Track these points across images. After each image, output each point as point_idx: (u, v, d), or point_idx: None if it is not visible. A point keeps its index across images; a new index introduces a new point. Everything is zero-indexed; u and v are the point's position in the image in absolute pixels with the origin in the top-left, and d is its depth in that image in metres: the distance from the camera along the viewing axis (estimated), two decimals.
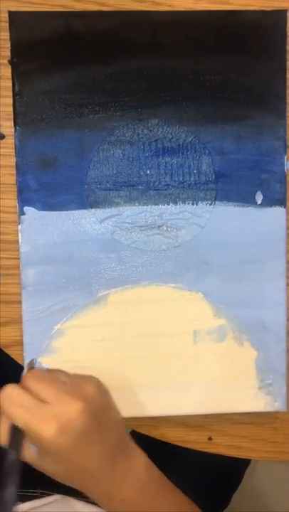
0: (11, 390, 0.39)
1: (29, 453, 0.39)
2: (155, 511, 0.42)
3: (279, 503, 0.84)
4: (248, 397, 0.48)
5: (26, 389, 0.39)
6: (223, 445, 0.51)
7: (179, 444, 0.51)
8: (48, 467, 0.40)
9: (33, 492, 0.57)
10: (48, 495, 0.56)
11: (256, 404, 0.48)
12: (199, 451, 0.51)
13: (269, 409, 0.48)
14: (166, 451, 0.52)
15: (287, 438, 0.51)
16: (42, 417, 0.37)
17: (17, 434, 0.38)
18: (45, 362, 0.47)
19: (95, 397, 0.40)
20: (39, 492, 0.56)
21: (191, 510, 0.45)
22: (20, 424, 0.38)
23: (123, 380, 0.48)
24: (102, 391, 0.41)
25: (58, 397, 0.38)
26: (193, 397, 0.48)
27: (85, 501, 0.56)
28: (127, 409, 0.47)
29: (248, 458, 0.52)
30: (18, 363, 0.49)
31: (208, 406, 0.48)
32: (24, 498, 0.55)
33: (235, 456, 0.52)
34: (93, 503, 0.56)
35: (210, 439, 0.51)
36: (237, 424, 0.51)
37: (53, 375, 0.41)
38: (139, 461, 0.43)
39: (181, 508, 0.44)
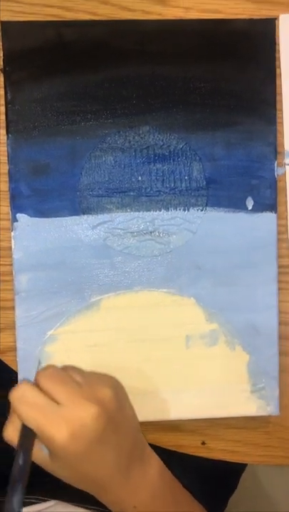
0: (24, 388, 0.37)
1: (41, 455, 0.38)
2: None
3: (278, 503, 0.84)
4: (241, 401, 0.49)
5: (39, 388, 0.38)
6: (216, 450, 0.51)
7: (173, 449, 0.51)
8: (59, 471, 0.39)
9: (28, 498, 0.57)
10: (44, 501, 0.56)
11: (249, 409, 0.49)
12: (195, 456, 0.52)
13: (261, 413, 0.49)
14: (162, 455, 0.53)
15: (281, 442, 0.52)
16: (54, 420, 0.36)
17: (28, 434, 0.37)
18: (40, 368, 0.47)
19: (111, 400, 0.38)
20: (34, 498, 0.56)
21: None
22: (31, 425, 0.36)
23: None
24: (119, 393, 0.40)
25: (71, 399, 0.37)
26: (186, 402, 0.48)
27: (82, 507, 0.56)
28: None
29: (242, 462, 0.52)
30: (12, 369, 0.49)
31: (201, 411, 0.48)
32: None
33: (229, 461, 0.52)
34: (90, 508, 0.56)
35: (203, 443, 0.51)
36: (230, 429, 0.51)
37: (68, 374, 0.39)
38: (155, 466, 0.42)
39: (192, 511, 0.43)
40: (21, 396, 0.37)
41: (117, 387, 0.40)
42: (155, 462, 0.42)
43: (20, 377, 0.48)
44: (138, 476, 0.40)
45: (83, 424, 0.36)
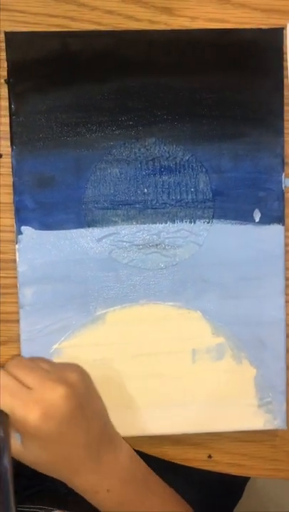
0: None
1: (13, 444, 0.39)
2: (142, 503, 0.42)
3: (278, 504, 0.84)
4: (248, 416, 0.48)
5: (10, 375, 0.39)
6: (222, 463, 0.51)
7: (179, 462, 0.51)
8: (32, 457, 0.40)
9: (30, 507, 0.56)
10: (48, 510, 0.56)
11: (256, 423, 0.48)
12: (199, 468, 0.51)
13: (269, 427, 0.48)
14: (166, 466, 0.52)
15: (287, 456, 0.51)
16: (26, 402, 0.38)
17: (2, 418, 0.38)
18: None
19: (78, 383, 0.40)
20: (38, 508, 0.56)
21: (178, 504, 0.45)
22: (5, 408, 0.38)
23: (122, 399, 0.47)
24: (85, 378, 0.42)
25: (40, 383, 0.39)
26: (193, 416, 0.48)
27: None
28: (126, 428, 0.47)
29: (248, 476, 0.52)
30: None
31: (208, 425, 0.48)
32: None
33: (235, 474, 0.51)
34: None
35: (210, 456, 0.51)
36: (236, 442, 0.51)
37: (35, 362, 0.42)
38: (125, 452, 0.43)
39: (168, 502, 0.44)
40: None
41: (83, 373, 0.42)
42: (125, 449, 0.43)
43: None
44: (109, 461, 0.41)
45: (53, 404, 0.38)
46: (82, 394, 0.40)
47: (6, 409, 0.37)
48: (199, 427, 0.48)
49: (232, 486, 0.68)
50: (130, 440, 0.49)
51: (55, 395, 0.38)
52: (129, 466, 0.42)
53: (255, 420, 0.48)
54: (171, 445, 0.50)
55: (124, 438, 0.49)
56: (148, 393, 0.47)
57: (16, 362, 0.41)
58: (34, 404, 0.37)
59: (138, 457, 0.44)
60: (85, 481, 0.41)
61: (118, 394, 0.47)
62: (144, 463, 0.44)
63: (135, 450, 0.50)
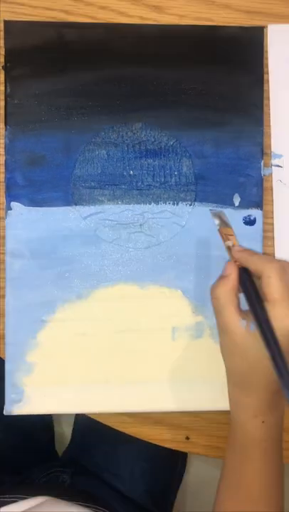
0: (282, 269, 0.39)
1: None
2: (274, 450, 0.43)
3: None
4: (225, 395, 0.49)
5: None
6: (200, 445, 0.52)
7: (157, 443, 0.52)
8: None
9: (14, 497, 0.57)
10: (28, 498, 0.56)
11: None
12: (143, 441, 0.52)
13: None
14: (118, 438, 0.54)
15: None
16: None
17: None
18: (28, 354, 0.48)
19: None
20: (21, 497, 0.56)
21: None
22: (274, 297, 0.38)
23: (103, 375, 0.48)
24: None
25: None
26: (171, 394, 0.49)
27: (74, 502, 0.55)
28: (104, 403, 0.48)
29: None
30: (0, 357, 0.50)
31: (185, 403, 0.49)
32: (4, 504, 0.54)
33: (212, 457, 0.52)
34: (81, 505, 0.56)
35: (187, 438, 0.51)
36: (214, 424, 0.51)
37: None
38: (285, 403, 0.43)
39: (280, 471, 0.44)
40: (284, 272, 0.39)
41: None
42: (282, 413, 0.44)
43: (7, 364, 0.48)
44: (277, 399, 0.42)
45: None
46: None
47: (273, 297, 0.38)
48: (177, 405, 0.49)
49: (174, 461, 0.72)
50: (108, 418, 0.50)
51: None
52: (282, 414, 0.43)
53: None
54: (149, 425, 0.51)
55: (102, 414, 0.50)
56: (128, 369, 0.48)
57: None
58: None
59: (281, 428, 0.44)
60: (254, 400, 0.41)
61: (99, 369, 0.48)
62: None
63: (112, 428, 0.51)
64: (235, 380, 0.43)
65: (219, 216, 0.44)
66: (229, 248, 0.42)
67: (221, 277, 0.41)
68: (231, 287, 0.40)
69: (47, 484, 0.70)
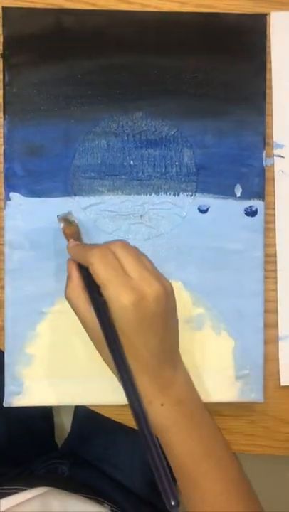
0: (107, 251, 0.41)
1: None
2: (190, 428, 0.43)
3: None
4: (225, 387, 0.49)
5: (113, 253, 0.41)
6: None
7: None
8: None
9: (13, 489, 0.57)
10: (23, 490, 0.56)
11: (233, 394, 0.49)
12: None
13: (245, 399, 0.49)
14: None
15: (264, 431, 0.52)
16: (122, 286, 0.39)
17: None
18: (27, 346, 0.48)
19: (171, 292, 0.42)
20: (20, 489, 0.56)
21: (224, 444, 0.45)
22: (102, 282, 0.39)
23: (103, 367, 0.48)
24: (173, 293, 0.43)
25: (140, 275, 0.40)
26: None
27: (76, 494, 0.55)
28: (105, 395, 0.48)
29: None
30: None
31: None
32: (4, 495, 0.54)
33: None
34: (85, 497, 0.56)
35: None
36: (215, 416, 0.51)
37: (140, 256, 0.43)
38: (183, 376, 0.44)
39: (214, 437, 0.44)
40: (104, 255, 0.40)
41: (172, 288, 0.43)
42: (184, 373, 0.44)
43: (6, 356, 0.48)
44: (169, 377, 0.42)
45: (146, 297, 0.39)
46: (171, 304, 0.42)
47: (104, 283, 0.39)
48: None
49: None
50: (109, 410, 0.50)
51: (151, 290, 0.40)
52: (184, 389, 0.43)
53: (232, 392, 0.49)
54: None
55: (104, 406, 0.50)
56: None
57: (121, 244, 0.42)
58: (130, 289, 0.39)
59: (194, 387, 0.45)
60: (142, 387, 0.41)
61: (99, 361, 0.48)
62: (198, 395, 0.45)
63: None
64: (110, 369, 0.43)
65: (65, 219, 0.46)
66: (68, 249, 0.45)
67: (67, 277, 0.43)
68: (75, 285, 0.42)
69: (46, 476, 0.70)
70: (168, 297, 0.42)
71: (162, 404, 0.42)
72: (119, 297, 0.39)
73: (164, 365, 0.42)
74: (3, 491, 0.56)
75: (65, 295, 0.43)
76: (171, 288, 0.43)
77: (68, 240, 0.45)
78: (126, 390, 0.39)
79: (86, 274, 0.42)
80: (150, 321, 0.40)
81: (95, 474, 0.70)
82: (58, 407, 0.93)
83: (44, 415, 0.82)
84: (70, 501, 0.54)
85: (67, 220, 0.46)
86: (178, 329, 0.45)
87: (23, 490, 0.56)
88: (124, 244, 0.42)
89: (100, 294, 0.40)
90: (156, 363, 0.41)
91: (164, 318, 0.41)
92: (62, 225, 0.46)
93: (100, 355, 0.43)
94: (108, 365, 0.43)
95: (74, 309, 0.43)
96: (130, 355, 0.40)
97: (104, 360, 0.43)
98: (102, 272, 0.40)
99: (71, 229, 0.46)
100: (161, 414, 0.42)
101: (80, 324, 0.48)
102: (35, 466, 0.72)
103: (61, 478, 0.69)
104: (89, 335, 0.43)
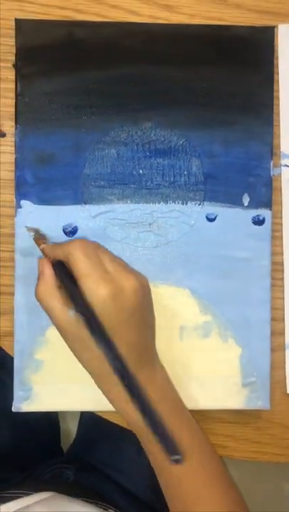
0: (87, 244, 0.41)
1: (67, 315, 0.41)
2: (168, 427, 0.42)
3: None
4: (232, 395, 0.49)
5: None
6: None
7: None
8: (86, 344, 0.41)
9: (18, 493, 0.57)
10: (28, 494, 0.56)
11: (239, 402, 0.49)
12: None
13: (252, 406, 0.49)
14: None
15: (271, 439, 0.52)
16: (101, 278, 0.39)
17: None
18: (36, 351, 0.48)
19: (147, 287, 0.43)
20: (25, 493, 0.57)
21: (207, 443, 0.45)
22: (81, 273, 0.39)
23: None
24: (149, 289, 0.43)
25: (117, 270, 0.41)
26: (180, 392, 0.49)
27: (80, 499, 0.56)
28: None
29: (233, 458, 0.53)
30: (8, 354, 0.50)
31: (192, 402, 0.49)
32: (9, 499, 0.55)
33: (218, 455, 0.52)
34: (84, 501, 0.56)
35: None
36: (221, 423, 0.52)
37: (114, 257, 0.43)
38: (161, 374, 0.44)
39: (196, 436, 0.44)
40: (84, 247, 0.40)
41: (148, 284, 0.43)
42: (162, 371, 0.44)
43: (16, 361, 0.49)
44: (145, 374, 0.42)
45: (123, 290, 0.40)
46: (148, 299, 0.42)
47: (82, 274, 0.39)
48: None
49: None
50: (114, 416, 0.51)
51: (128, 283, 0.40)
52: (161, 387, 0.43)
53: (239, 400, 0.49)
54: None
55: (111, 412, 0.50)
56: None
57: (97, 245, 0.43)
58: (107, 282, 0.39)
59: (173, 386, 0.45)
60: (118, 388, 0.40)
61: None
62: (177, 393, 0.45)
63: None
64: (90, 373, 0.43)
65: (35, 230, 0.47)
66: (43, 250, 0.45)
67: (38, 277, 0.43)
68: (49, 283, 0.41)
69: (50, 480, 0.70)
70: (145, 292, 0.42)
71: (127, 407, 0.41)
72: (98, 289, 0.39)
73: (143, 363, 0.42)
74: (8, 495, 0.56)
75: (36, 295, 0.42)
76: (148, 284, 0.43)
77: (40, 245, 0.45)
78: (122, 376, 0.39)
79: (61, 269, 0.41)
80: (128, 314, 0.40)
81: (100, 479, 0.70)
82: (64, 412, 0.93)
83: (50, 420, 0.82)
84: (74, 506, 0.54)
85: (37, 232, 0.47)
86: (154, 327, 0.45)
87: (27, 494, 0.56)
88: (98, 243, 0.44)
89: (76, 290, 0.40)
90: (135, 359, 0.41)
91: (142, 312, 0.41)
92: (32, 233, 0.47)
93: (79, 359, 0.42)
94: (88, 368, 0.42)
95: (47, 310, 0.41)
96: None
97: (84, 363, 0.42)
98: (81, 263, 0.39)
99: (42, 238, 0.47)
100: (135, 412, 0.41)
101: None
102: (40, 471, 0.72)
103: (66, 482, 0.70)
104: (65, 337, 0.42)
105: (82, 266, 0.40)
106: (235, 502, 0.43)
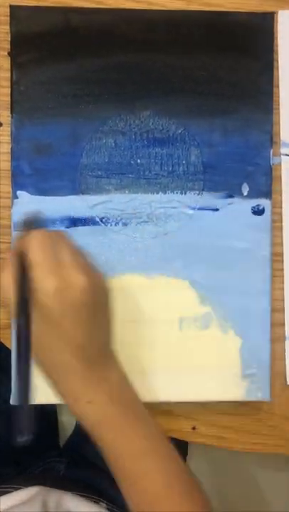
0: (43, 233, 0.39)
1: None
2: (122, 429, 0.41)
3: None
4: (232, 386, 0.49)
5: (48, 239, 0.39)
6: (206, 435, 0.52)
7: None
8: (35, 337, 0.39)
9: (8, 487, 0.57)
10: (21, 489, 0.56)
11: (239, 393, 0.49)
12: None
13: (252, 398, 0.49)
14: None
15: (271, 430, 0.52)
16: (51, 270, 0.38)
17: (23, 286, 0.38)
18: None
19: (101, 285, 0.41)
20: (15, 487, 0.56)
21: (165, 444, 0.43)
22: (32, 262, 0.38)
23: None
24: (106, 287, 0.42)
25: (71, 264, 0.39)
26: (177, 385, 0.48)
27: (71, 493, 0.55)
28: None
29: (233, 449, 0.52)
30: (5, 346, 0.49)
31: (192, 394, 0.49)
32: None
33: (217, 447, 0.52)
34: (79, 496, 0.56)
35: (194, 428, 0.51)
36: (221, 415, 0.51)
37: (78, 247, 0.41)
38: (117, 374, 0.42)
39: (152, 439, 0.43)
40: (42, 239, 0.39)
41: (106, 282, 0.42)
42: (119, 372, 0.43)
43: (13, 354, 0.48)
44: (99, 374, 0.41)
45: (70, 286, 0.38)
46: (100, 298, 0.41)
47: (34, 263, 0.38)
48: (183, 395, 0.49)
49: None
50: None
51: (78, 280, 0.38)
52: (117, 388, 0.42)
53: (239, 391, 0.49)
54: (156, 415, 0.50)
55: None
56: (135, 360, 0.48)
57: (62, 234, 0.41)
58: (54, 276, 0.38)
59: (130, 386, 0.43)
60: (69, 385, 0.40)
61: None
62: (135, 393, 0.43)
63: None
64: (43, 369, 0.41)
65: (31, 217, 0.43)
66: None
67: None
68: (8, 272, 0.39)
69: (41, 474, 0.70)
70: (96, 290, 0.40)
71: (90, 402, 0.40)
72: (44, 281, 0.38)
73: (93, 361, 0.41)
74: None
75: None
76: (104, 283, 0.41)
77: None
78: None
79: (22, 259, 0.40)
80: (73, 311, 0.38)
81: (93, 472, 0.69)
82: (62, 405, 0.93)
83: (46, 414, 0.82)
84: (65, 500, 0.54)
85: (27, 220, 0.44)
86: (110, 326, 0.43)
87: (17, 489, 0.56)
88: (65, 234, 0.41)
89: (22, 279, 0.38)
90: (84, 357, 0.40)
91: (91, 311, 0.39)
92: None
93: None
94: None
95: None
96: (53, 346, 0.39)
97: None
98: (35, 253, 0.38)
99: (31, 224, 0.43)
100: (90, 411, 0.40)
101: None
102: (33, 465, 0.72)
103: (56, 476, 0.69)
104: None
105: (34, 256, 0.38)
106: (198, 504, 0.42)
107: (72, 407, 0.41)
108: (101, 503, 0.58)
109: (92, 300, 0.39)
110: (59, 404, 0.82)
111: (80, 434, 0.79)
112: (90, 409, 0.40)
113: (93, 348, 0.41)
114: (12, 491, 0.55)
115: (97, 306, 0.40)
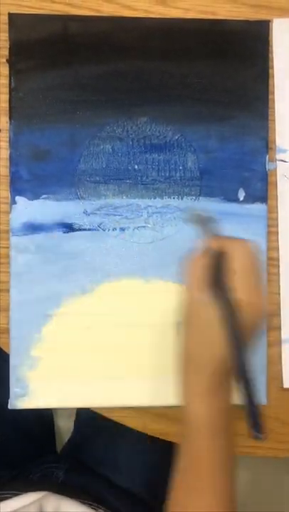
0: (248, 249, 0.40)
1: None
2: (215, 439, 0.43)
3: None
4: None
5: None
6: None
7: (160, 437, 0.52)
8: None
9: (7, 493, 0.57)
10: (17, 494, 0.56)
11: (235, 397, 0.49)
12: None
13: None
14: None
15: (267, 434, 0.52)
16: (250, 286, 0.40)
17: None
18: (33, 348, 0.48)
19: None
20: (14, 493, 0.56)
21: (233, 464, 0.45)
22: (237, 271, 0.39)
23: (107, 369, 0.48)
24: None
25: (259, 285, 0.40)
26: (175, 388, 0.49)
27: (70, 500, 0.55)
28: (109, 398, 0.48)
29: None
30: (2, 352, 0.50)
31: None
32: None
33: None
34: (78, 502, 0.56)
35: None
36: None
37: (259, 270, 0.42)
38: (229, 397, 0.44)
39: (230, 452, 0.45)
40: (247, 250, 0.40)
41: None
42: (230, 395, 0.44)
43: (12, 358, 0.48)
44: (221, 382, 0.43)
45: (254, 306, 0.40)
46: (256, 326, 0.42)
47: (238, 272, 0.39)
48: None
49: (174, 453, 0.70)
50: (113, 412, 0.51)
51: (259, 301, 0.40)
52: (226, 400, 0.44)
53: (235, 394, 0.49)
54: (154, 419, 0.51)
55: (107, 408, 0.50)
56: (133, 364, 0.49)
57: (256, 247, 0.42)
58: (249, 294, 0.39)
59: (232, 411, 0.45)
60: (196, 386, 0.42)
61: (103, 363, 0.48)
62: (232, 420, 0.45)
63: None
64: (189, 354, 0.43)
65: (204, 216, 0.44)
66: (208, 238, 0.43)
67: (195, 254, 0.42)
68: (199, 264, 0.41)
69: (40, 480, 0.70)
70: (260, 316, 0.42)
71: (205, 403, 0.42)
72: (242, 292, 0.39)
73: (221, 377, 0.43)
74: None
75: (188, 269, 0.42)
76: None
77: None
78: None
79: (216, 258, 0.41)
80: (249, 329, 0.41)
81: (92, 478, 0.69)
82: (60, 410, 0.93)
83: (43, 418, 0.82)
84: (64, 506, 0.54)
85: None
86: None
87: (17, 494, 0.56)
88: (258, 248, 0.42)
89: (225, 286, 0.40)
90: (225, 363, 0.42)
91: (254, 333, 0.42)
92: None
93: (185, 342, 0.43)
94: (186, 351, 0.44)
95: (188, 282, 0.42)
96: (206, 352, 0.42)
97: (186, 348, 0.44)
98: (240, 262, 0.40)
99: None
100: (202, 410, 0.42)
101: (85, 327, 0.48)
102: (30, 470, 0.72)
103: (55, 482, 0.69)
104: (189, 314, 0.43)
105: (240, 266, 0.40)
106: (231, 503, 0.44)
107: (189, 401, 0.43)
108: (99, 510, 0.58)
109: (259, 325, 0.42)
110: (56, 409, 0.82)
111: (79, 438, 0.79)
112: (204, 409, 0.42)
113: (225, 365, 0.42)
114: (11, 497, 0.55)
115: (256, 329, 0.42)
